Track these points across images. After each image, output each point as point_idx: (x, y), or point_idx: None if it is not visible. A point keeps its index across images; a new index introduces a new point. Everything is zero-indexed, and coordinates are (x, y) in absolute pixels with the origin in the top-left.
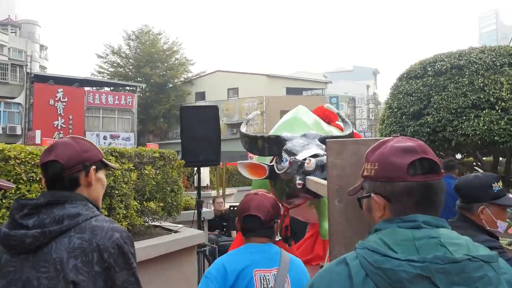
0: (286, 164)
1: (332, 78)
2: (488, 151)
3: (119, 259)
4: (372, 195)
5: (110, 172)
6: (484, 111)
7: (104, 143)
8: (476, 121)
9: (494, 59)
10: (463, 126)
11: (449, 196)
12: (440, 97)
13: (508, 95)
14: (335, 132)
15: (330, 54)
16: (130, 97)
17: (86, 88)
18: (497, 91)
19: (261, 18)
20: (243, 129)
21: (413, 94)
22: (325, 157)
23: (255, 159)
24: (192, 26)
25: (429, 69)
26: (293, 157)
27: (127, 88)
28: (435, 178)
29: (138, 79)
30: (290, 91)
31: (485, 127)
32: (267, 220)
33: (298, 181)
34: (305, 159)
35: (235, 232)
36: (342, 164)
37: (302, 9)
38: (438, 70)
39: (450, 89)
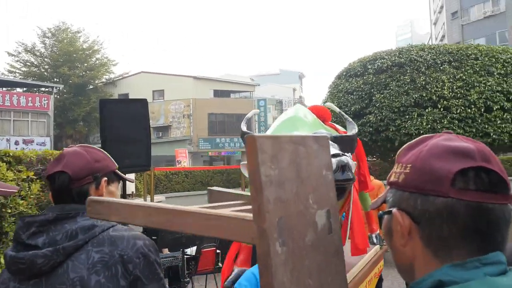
0: None
1: (259, 81)
2: None
3: (145, 270)
4: (394, 211)
5: None
6: (427, 110)
7: (16, 148)
8: (419, 120)
9: (434, 57)
10: (406, 125)
11: None
12: (382, 96)
13: (450, 93)
14: (334, 132)
15: (257, 58)
16: (46, 98)
17: None
18: (439, 89)
19: (187, 20)
20: (244, 128)
21: (354, 93)
22: (346, 156)
23: (183, 163)
24: (114, 25)
25: (369, 66)
26: None
27: (42, 89)
28: (499, 202)
29: (55, 79)
30: (217, 93)
31: (429, 126)
32: None
33: None
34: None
35: (166, 249)
36: (280, 177)
37: (228, 12)
38: (378, 68)
39: (392, 87)
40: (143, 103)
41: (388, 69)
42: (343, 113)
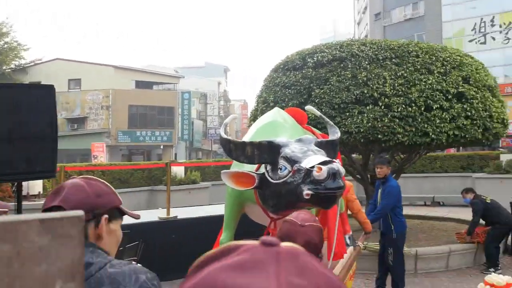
0: (285, 172)
1: (183, 73)
2: (351, 149)
3: None
4: None
5: None
6: (368, 107)
7: None
8: (360, 117)
9: (376, 52)
10: (346, 123)
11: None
12: (321, 91)
13: (391, 91)
14: (311, 136)
15: (181, 50)
16: None
17: None
18: (381, 86)
19: (108, 7)
20: (224, 133)
21: (292, 87)
22: (336, 163)
23: (100, 158)
24: (26, 5)
25: (308, 59)
26: (298, 165)
27: None
28: None
29: None
30: (139, 84)
31: (369, 124)
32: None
33: (306, 192)
34: (312, 166)
35: None
36: None
37: (153, 3)
38: (318, 62)
39: (332, 83)
40: (48, 90)
41: (329, 63)
42: (323, 116)
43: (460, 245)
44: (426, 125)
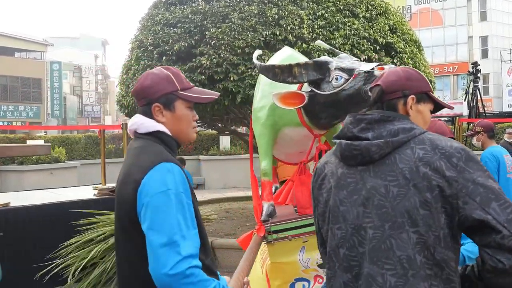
0: (342, 81)
1: (55, 43)
2: None
3: (469, 163)
4: None
5: None
6: None
7: None
8: None
9: None
10: (253, 73)
11: None
12: (219, 30)
13: (310, 34)
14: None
15: (53, 18)
16: None
17: None
18: (297, 27)
19: None
20: (258, 62)
21: (179, 25)
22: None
23: None
24: None
25: None
26: (358, 69)
27: None
28: None
29: None
30: None
31: None
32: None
33: None
34: (372, 68)
35: None
36: None
37: None
38: None
39: (233, 20)
40: None
41: None
42: (334, 49)
43: None
44: None
